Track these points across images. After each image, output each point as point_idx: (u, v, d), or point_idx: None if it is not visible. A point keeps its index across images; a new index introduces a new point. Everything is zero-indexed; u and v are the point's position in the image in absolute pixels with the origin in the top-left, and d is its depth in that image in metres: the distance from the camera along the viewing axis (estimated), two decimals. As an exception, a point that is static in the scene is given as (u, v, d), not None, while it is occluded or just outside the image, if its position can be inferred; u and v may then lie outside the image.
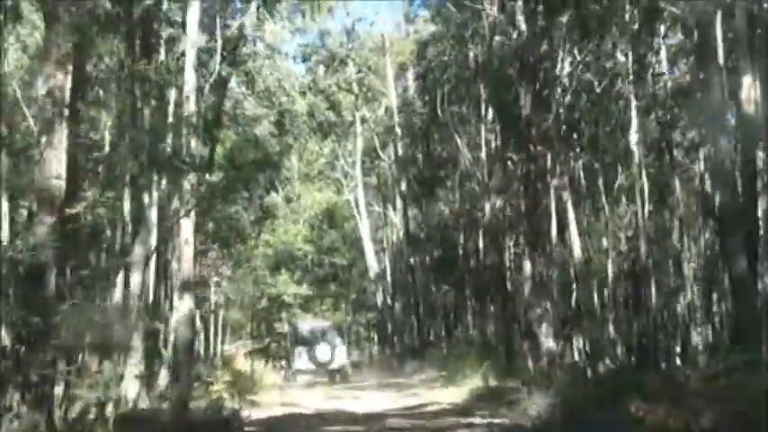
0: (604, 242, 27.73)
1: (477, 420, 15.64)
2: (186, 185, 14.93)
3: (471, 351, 29.49)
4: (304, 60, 44.85)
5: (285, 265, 52.21)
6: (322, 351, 31.80)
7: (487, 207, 28.82)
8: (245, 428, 14.52)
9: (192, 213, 15.15)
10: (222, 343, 38.85)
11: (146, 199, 15.71)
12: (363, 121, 45.32)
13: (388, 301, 43.42)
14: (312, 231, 52.70)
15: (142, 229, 15.21)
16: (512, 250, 31.81)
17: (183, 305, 14.87)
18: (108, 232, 16.96)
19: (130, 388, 14.27)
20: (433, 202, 41.54)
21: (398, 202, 43.03)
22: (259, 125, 35.14)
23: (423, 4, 39.13)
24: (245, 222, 36.38)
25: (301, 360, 31.84)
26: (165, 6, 18.40)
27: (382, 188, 48.03)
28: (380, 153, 44.59)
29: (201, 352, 36.42)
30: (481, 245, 33.28)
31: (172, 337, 16.88)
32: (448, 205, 40.94)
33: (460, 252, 38.51)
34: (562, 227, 25.89)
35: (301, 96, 45.52)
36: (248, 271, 39.91)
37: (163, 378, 17.02)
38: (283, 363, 33.65)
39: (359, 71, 44.40)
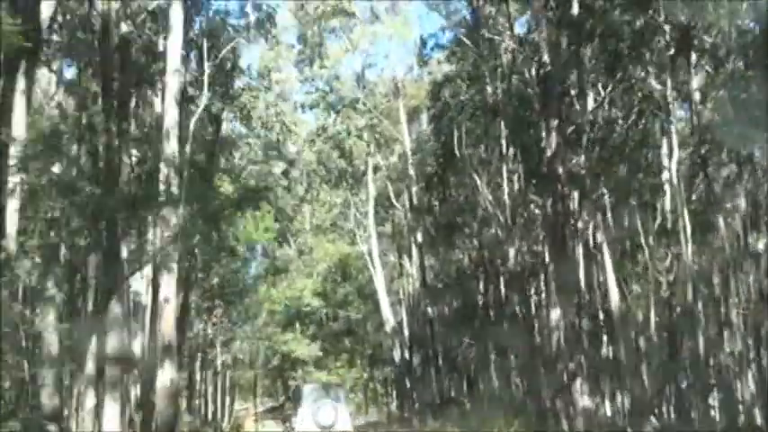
0: (633, 286, 25.81)
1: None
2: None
3: (496, 408, 27.47)
4: (311, 108, 43.57)
5: (299, 320, 50.53)
6: (325, 413, 30.49)
7: (511, 252, 26.85)
8: None
9: (174, 267, 13.17)
10: (231, 404, 36.84)
11: (123, 250, 13.66)
12: (376, 169, 43.66)
13: (406, 355, 41.40)
14: (325, 284, 50.94)
15: (119, 285, 13.11)
16: (536, 298, 29.94)
17: (164, 374, 12.82)
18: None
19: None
20: (451, 251, 39.60)
21: (414, 252, 41.16)
22: (238, 150, 32.64)
23: (437, 45, 37.49)
24: (244, 277, 34.54)
25: (304, 423, 30.59)
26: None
27: (397, 237, 46.12)
28: (394, 201, 42.83)
29: (209, 415, 34.66)
30: (504, 293, 31.39)
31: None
32: (466, 252, 39.00)
33: (480, 302, 36.71)
34: (591, 272, 24.04)
35: (310, 144, 44.20)
36: (257, 329, 37.95)
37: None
38: (287, 425, 32.20)
39: (371, 117, 42.72)
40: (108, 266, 12.92)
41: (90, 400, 12.62)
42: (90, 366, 12.86)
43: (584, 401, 20.90)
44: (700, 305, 21.12)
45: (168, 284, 13.13)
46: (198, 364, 35.23)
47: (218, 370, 36.29)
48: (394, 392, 50.64)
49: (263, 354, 44.21)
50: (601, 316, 24.63)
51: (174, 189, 13.41)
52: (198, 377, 35.62)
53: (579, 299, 23.31)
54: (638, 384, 21.84)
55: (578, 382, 21.15)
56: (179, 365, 16.36)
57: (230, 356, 36.71)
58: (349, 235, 48.87)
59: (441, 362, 39.01)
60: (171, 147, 13.76)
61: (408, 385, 40.70)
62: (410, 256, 42.55)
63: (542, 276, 27.89)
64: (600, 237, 21.39)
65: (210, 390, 36.39)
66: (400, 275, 45.51)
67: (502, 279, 31.59)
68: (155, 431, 13.70)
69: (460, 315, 38.26)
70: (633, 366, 22.04)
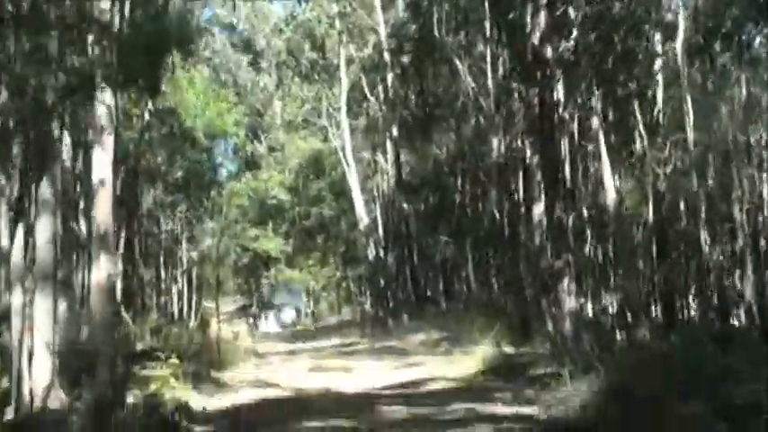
0: (617, 181, 24.36)
1: (499, 408, 12.02)
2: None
3: (475, 309, 26.29)
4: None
5: (271, 217, 49.17)
6: (287, 314, 31.91)
7: (495, 142, 25.16)
8: (196, 429, 11.03)
9: (109, 143, 11.39)
10: (199, 303, 35.52)
11: (54, 125, 11.76)
12: (350, 61, 41.38)
13: (380, 253, 40.05)
14: (297, 180, 49.38)
15: (51, 164, 11.30)
16: (516, 196, 28.52)
17: (98, 268, 11.17)
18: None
19: (40, 375, 10.68)
20: (428, 145, 37.92)
21: (389, 147, 39.40)
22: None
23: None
24: (210, 169, 32.87)
25: (268, 323, 31.85)
26: None
27: (372, 132, 44.19)
28: (369, 94, 40.80)
29: (176, 313, 33.45)
30: (483, 189, 29.96)
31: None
32: (444, 147, 37.37)
33: (458, 198, 35.34)
34: (577, 165, 22.61)
35: (279, 33, 42.02)
36: (225, 225, 36.36)
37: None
38: (251, 321, 32.54)
39: (343, 5, 40.25)
40: (36, 143, 11.16)
41: (17, 298, 11.00)
42: (16, 258, 11.22)
43: (570, 303, 19.59)
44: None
45: (102, 163, 11.33)
46: (162, 260, 33.94)
47: (185, 268, 34.87)
48: (368, 291, 49.63)
49: (233, 251, 42.88)
50: (585, 213, 23.30)
51: (108, 54, 11.54)
52: (163, 274, 34.34)
53: (564, 193, 21.85)
54: (631, 283, 20.48)
55: (566, 281, 19.79)
56: (125, 259, 14.65)
57: (197, 254, 35.24)
58: (322, 131, 46.95)
59: (416, 260, 37.88)
60: (103, 4, 11.86)
61: (383, 284, 39.49)
62: (385, 152, 40.82)
63: (523, 171, 26.42)
64: (595, 123, 19.70)
65: (177, 288, 35.06)
66: (375, 172, 43.86)
67: (482, 174, 30.12)
68: (91, 333, 12.04)
69: (437, 212, 37.04)
70: (626, 264, 20.67)
